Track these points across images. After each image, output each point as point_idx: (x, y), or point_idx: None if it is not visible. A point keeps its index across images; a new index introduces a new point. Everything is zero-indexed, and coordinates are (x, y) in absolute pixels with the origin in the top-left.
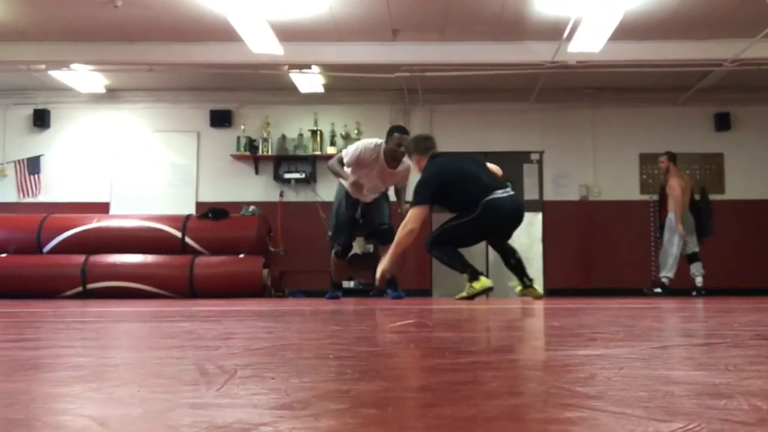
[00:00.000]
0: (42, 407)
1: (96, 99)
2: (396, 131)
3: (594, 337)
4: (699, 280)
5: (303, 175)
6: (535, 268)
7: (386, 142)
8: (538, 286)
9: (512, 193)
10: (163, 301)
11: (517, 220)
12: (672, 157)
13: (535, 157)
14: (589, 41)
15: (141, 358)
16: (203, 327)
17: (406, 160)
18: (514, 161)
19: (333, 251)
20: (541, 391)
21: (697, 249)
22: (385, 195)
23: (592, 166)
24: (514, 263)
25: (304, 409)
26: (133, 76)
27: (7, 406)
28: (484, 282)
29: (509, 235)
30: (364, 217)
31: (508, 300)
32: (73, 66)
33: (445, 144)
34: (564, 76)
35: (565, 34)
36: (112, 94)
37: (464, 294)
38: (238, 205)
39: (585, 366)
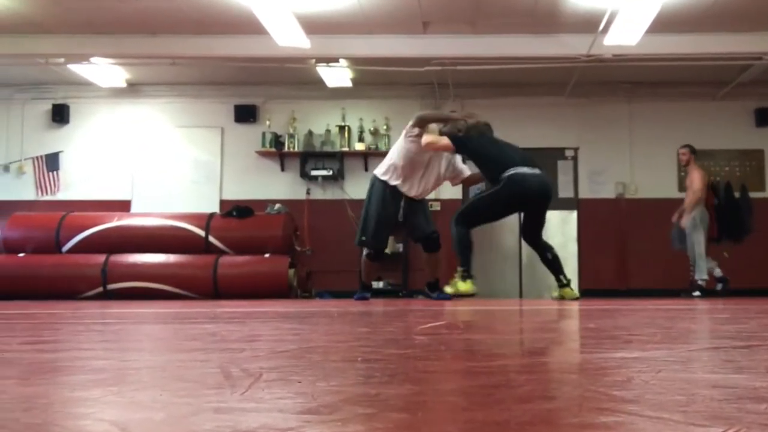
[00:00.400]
0: (61, 411)
1: (117, 93)
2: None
3: (630, 339)
4: (705, 278)
5: (330, 172)
6: (570, 267)
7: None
8: (574, 286)
9: (540, 173)
10: (186, 303)
11: (543, 199)
12: (693, 150)
13: (569, 153)
14: (626, 34)
15: (163, 361)
16: (227, 329)
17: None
18: (548, 158)
19: (365, 253)
20: (576, 395)
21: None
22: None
23: (629, 163)
24: (551, 258)
25: (331, 413)
26: (154, 69)
27: (25, 410)
28: (469, 286)
29: (539, 220)
30: (407, 219)
31: (541, 301)
32: (93, 59)
33: None
34: (599, 70)
35: (601, 27)
36: (133, 89)
37: (449, 289)
38: (263, 203)
39: (621, 369)
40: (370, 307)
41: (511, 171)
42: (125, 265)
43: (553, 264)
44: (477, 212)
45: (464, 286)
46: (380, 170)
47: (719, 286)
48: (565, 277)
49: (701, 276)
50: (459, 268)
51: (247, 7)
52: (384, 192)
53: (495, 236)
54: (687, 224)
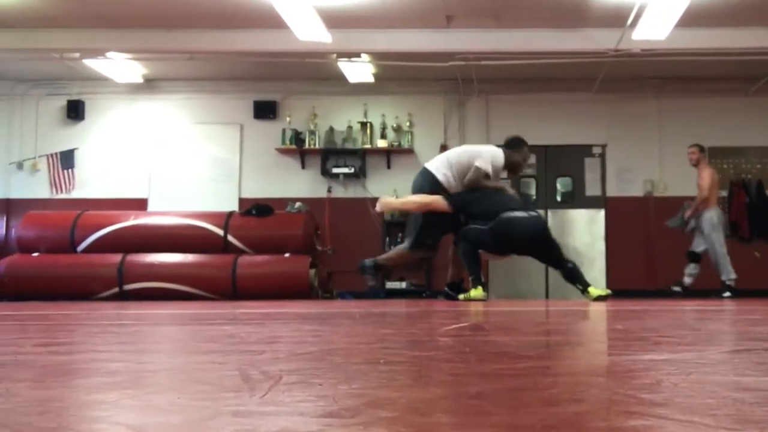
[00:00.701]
0: (76, 415)
1: (133, 89)
2: (524, 144)
3: (659, 341)
4: (687, 281)
5: (352, 170)
6: (597, 267)
7: (513, 151)
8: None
9: (535, 214)
10: (204, 303)
11: (534, 241)
12: (702, 148)
13: (597, 150)
14: (655, 28)
15: (181, 363)
16: (246, 330)
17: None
18: (574, 155)
19: (413, 245)
20: (603, 398)
21: (700, 249)
22: None
23: (658, 161)
24: (565, 276)
25: (353, 417)
26: (172, 65)
27: (39, 414)
28: (479, 292)
29: (540, 256)
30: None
31: (568, 302)
32: (109, 54)
33: (503, 137)
34: (628, 65)
35: (629, 21)
36: (149, 84)
37: (461, 297)
38: (283, 202)
39: (650, 371)
40: (393, 308)
41: (504, 215)
42: (142, 264)
43: (571, 278)
44: (477, 242)
45: (475, 293)
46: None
47: (675, 288)
48: (582, 284)
49: (728, 276)
50: (470, 278)
51: (267, 0)
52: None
53: None
54: (705, 226)
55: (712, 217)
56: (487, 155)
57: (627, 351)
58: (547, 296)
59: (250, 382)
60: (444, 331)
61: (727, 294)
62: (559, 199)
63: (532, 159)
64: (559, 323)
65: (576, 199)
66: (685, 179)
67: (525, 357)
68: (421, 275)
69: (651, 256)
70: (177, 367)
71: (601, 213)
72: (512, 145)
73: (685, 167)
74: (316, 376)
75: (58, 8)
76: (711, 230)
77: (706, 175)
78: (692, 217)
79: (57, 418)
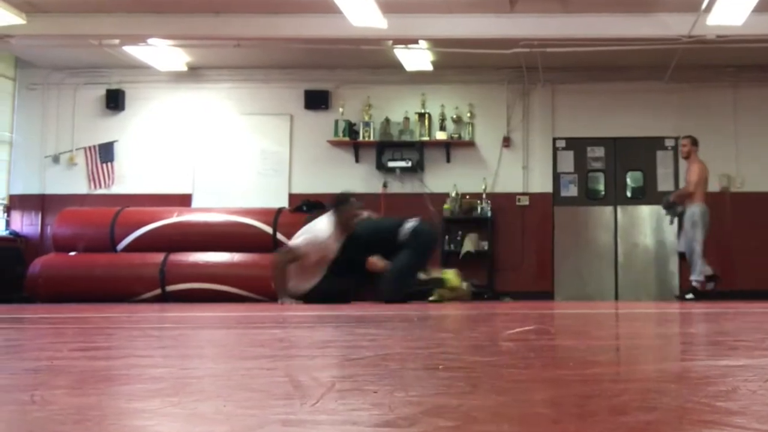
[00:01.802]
0: (115, 424)
1: (176, 78)
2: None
3: (736, 346)
4: (696, 283)
5: (409, 164)
6: (670, 267)
7: (338, 210)
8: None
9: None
10: (251, 305)
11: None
12: (695, 141)
13: (669, 143)
14: (731, 13)
15: (227, 369)
16: (296, 334)
17: None
18: (646, 148)
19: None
20: (676, 405)
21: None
22: None
23: (734, 154)
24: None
25: (409, 426)
26: (217, 52)
27: (76, 422)
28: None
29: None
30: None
31: (638, 304)
32: (150, 41)
33: (569, 129)
34: (702, 53)
35: (704, 6)
36: (194, 73)
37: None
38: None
39: (726, 378)
40: (453, 311)
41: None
42: (185, 264)
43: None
44: (411, 273)
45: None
46: None
47: (710, 285)
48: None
49: (696, 276)
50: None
51: None
52: None
53: (589, 234)
54: (686, 220)
55: (694, 212)
56: (307, 235)
57: (701, 356)
58: (616, 298)
59: (300, 389)
60: (507, 335)
61: (690, 296)
62: (629, 194)
63: (601, 152)
64: (628, 327)
65: (647, 194)
66: (764, 174)
67: (593, 362)
68: (483, 275)
69: (728, 256)
70: (223, 374)
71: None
72: (336, 205)
73: (764, 161)
74: (371, 382)
75: None
76: (690, 226)
77: (695, 169)
78: (675, 204)
79: (95, 427)
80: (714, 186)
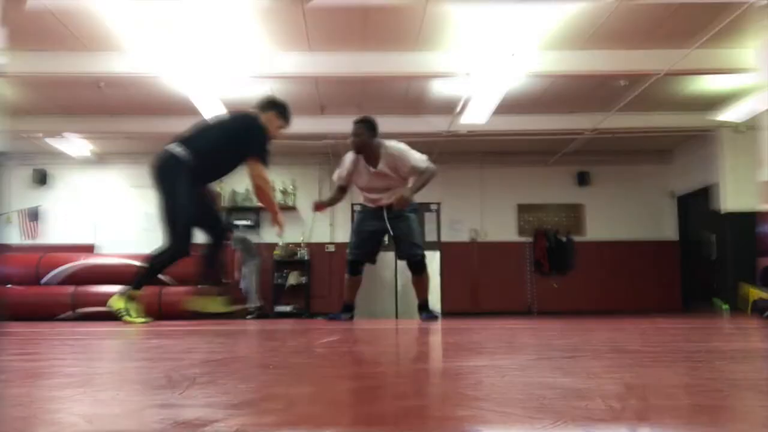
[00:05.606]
0: (41, 407)
1: (85, 161)
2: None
3: (481, 351)
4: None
5: (250, 222)
6: (434, 296)
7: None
8: (438, 308)
9: (170, 148)
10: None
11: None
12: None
13: (434, 207)
14: (477, 115)
15: (120, 368)
16: (169, 343)
17: (390, 146)
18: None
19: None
20: (439, 393)
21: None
22: (413, 217)
23: (480, 214)
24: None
25: (250, 407)
26: (114, 142)
27: (13, 406)
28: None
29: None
30: (396, 238)
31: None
32: (65, 135)
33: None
34: (457, 143)
35: (458, 109)
36: (98, 157)
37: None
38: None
39: (474, 374)
40: (279, 326)
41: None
42: (90, 293)
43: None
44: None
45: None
46: None
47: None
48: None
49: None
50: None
51: (185, 94)
52: (363, 206)
53: (377, 271)
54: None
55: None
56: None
57: (457, 358)
58: (396, 316)
59: (172, 382)
60: (319, 344)
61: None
62: None
63: None
64: (406, 337)
65: None
66: (500, 228)
67: (379, 363)
68: (302, 301)
69: (475, 286)
70: (117, 371)
71: (437, 254)
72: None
73: (500, 218)
74: (222, 377)
75: (28, 101)
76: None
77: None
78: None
79: (27, 410)
80: (465, 237)
